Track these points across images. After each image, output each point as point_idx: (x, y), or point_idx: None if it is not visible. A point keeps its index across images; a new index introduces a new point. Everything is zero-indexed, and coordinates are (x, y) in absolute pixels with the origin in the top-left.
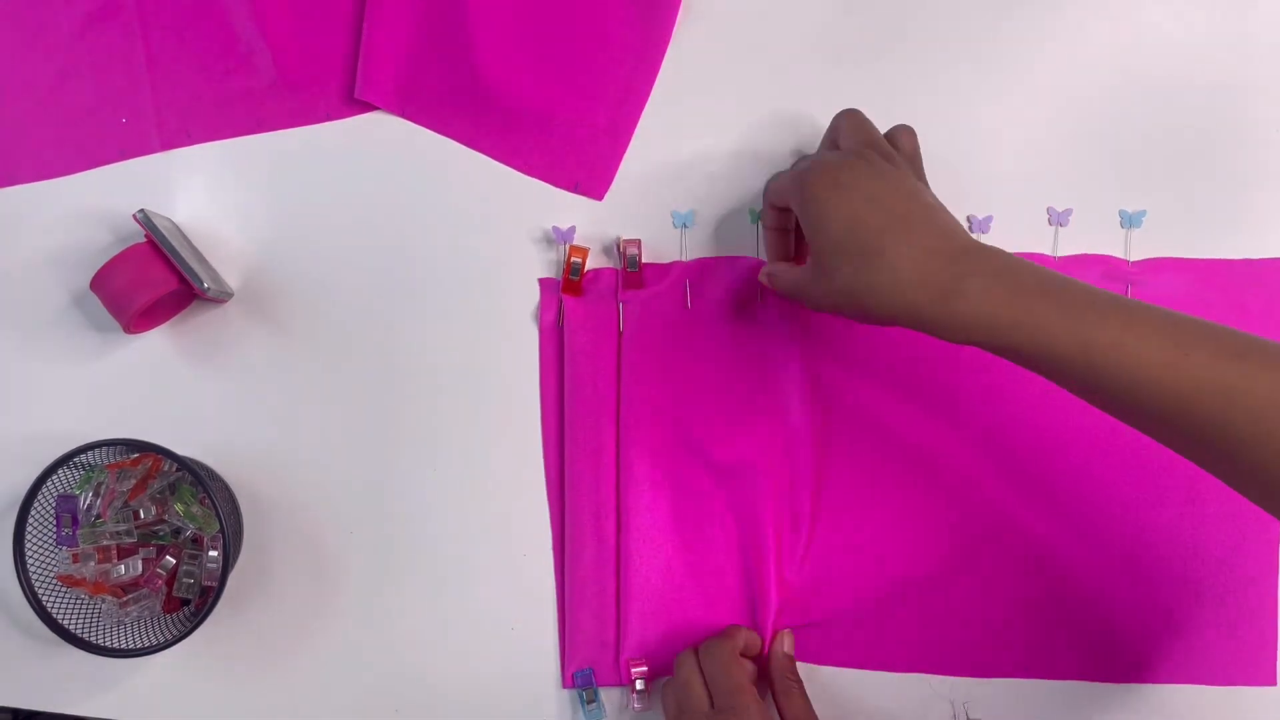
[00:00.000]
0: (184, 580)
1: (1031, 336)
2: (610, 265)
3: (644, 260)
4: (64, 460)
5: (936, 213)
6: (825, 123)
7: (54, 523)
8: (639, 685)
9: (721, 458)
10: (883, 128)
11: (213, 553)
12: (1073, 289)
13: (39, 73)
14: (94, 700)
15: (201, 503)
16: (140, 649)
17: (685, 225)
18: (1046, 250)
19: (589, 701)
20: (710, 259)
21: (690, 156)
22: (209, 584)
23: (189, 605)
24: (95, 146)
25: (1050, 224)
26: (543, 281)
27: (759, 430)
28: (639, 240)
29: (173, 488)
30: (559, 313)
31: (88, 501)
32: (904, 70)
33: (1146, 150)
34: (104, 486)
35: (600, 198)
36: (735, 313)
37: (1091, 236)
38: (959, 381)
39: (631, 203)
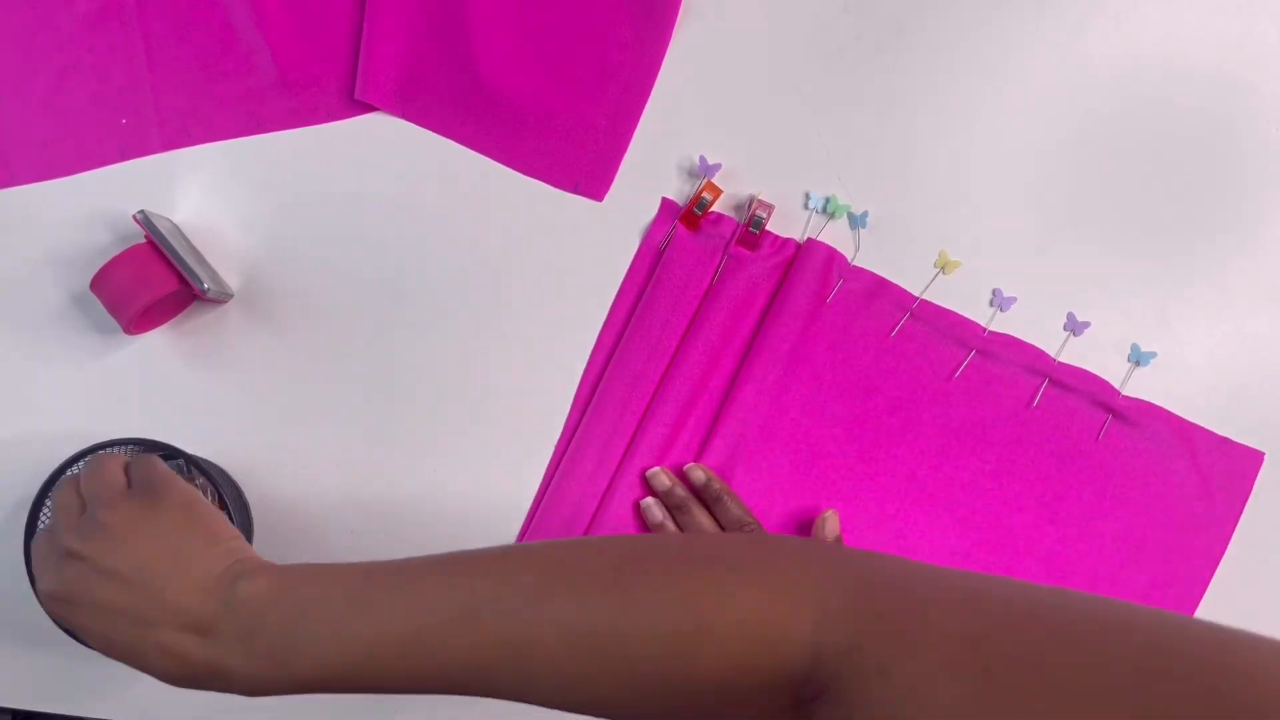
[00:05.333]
0: None
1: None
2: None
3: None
4: (76, 459)
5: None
6: (825, 123)
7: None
8: None
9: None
10: (881, 127)
11: None
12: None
13: (39, 73)
14: (94, 701)
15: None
16: None
17: (818, 210)
18: (1052, 351)
19: None
20: (831, 251)
21: (691, 154)
22: None
23: None
24: (95, 146)
25: (1064, 329)
26: (665, 201)
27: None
28: (773, 206)
29: None
30: (667, 237)
31: None
32: (904, 70)
33: (1147, 149)
34: None
35: (600, 198)
36: (820, 311)
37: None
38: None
39: (632, 203)
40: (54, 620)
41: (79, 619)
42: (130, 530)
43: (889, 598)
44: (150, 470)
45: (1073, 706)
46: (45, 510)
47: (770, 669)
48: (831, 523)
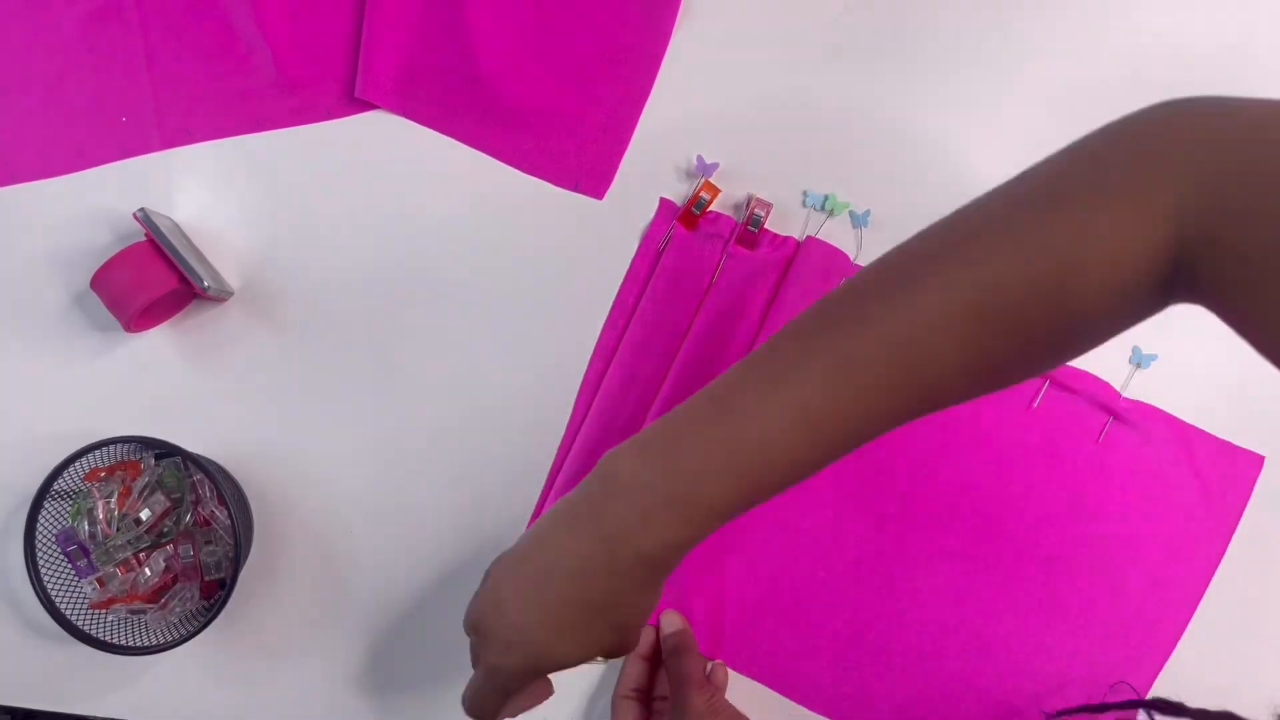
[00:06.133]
0: (207, 561)
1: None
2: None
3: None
4: (75, 457)
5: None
6: (825, 123)
7: (66, 562)
8: None
9: None
10: (880, 126)
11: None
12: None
13: (39, 73)
14: (94, 701)
15: (193, 489)
16: (152, 646)
17: (816, 208)
18: None
19: None
20: (830, 249)
21: (690, 155)
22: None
23: (224, 583)
24: (95, 146)
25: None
26: (663, 201)
27: None
28: (770, 204)
29: (154, 486)
30: (666, 237)
31: (87, 529)
32: (904, 70)
33: None
34: (94, 509)
35: (600, 197)
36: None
37: None
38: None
39: (631, 202)
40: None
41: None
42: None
43: (1237, 185)
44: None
45: None
46: (45, 505)
47: (1138, 282)
48: (671, 619)
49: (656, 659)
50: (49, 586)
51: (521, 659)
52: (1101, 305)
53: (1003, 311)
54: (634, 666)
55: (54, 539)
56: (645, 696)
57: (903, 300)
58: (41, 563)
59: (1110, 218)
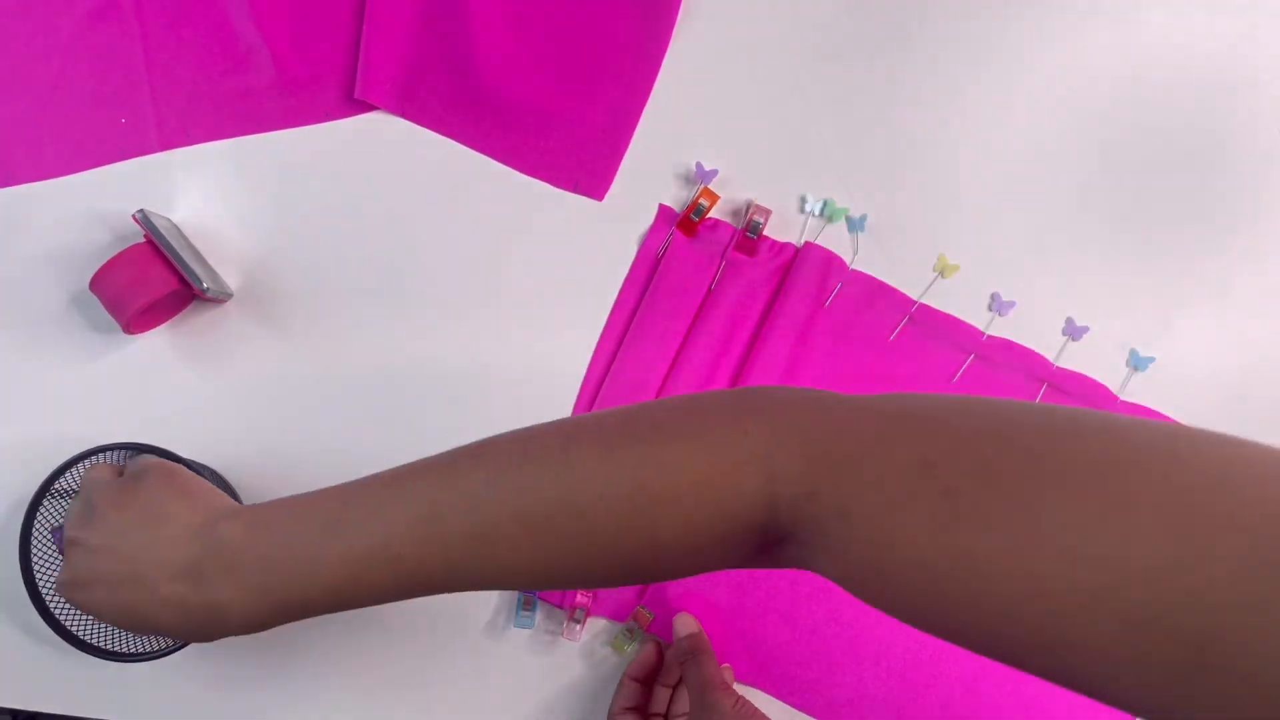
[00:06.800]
0: None
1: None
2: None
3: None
4: (70, 464)
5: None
6: (826, 123)
7: (59, 555)
8: (578, 615)
9: None
10: (879, 129)
11: None
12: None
13: (39, 73)
14: (94, 701)
15: None
16: (147, 653)
17: (815, 214)
18: (1050, 355)
19: (525, 607)
20: (829, 255)
21: (690, 157)
22: None
23: None
24: (95, 146)
25: (1063, 334)
26: (662, 207)
27: None
28: (770, 211)
29: None
30: (664, 243)
31: None
32: (904, 70)
33: (1146, 152)
34: None
35: (600, 198)
36: (819, 314)
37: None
38: None
39: (629, 209)
40: (73, 609)
41: (92, 600)
42: (114, 505)
43: (834, 440)
44: (139, 460)
45: (1034, 512)
46: (40, 510)
47: (727, 525)
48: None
49: (650, 679)
50: (45, 593)
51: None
52: (681, 537)
53: (573, 523)
54: (629, 688)
55: (49, 535)
56: (642, 715)
57: (504, 481)
58: (37, 568)
59: (703, 465)
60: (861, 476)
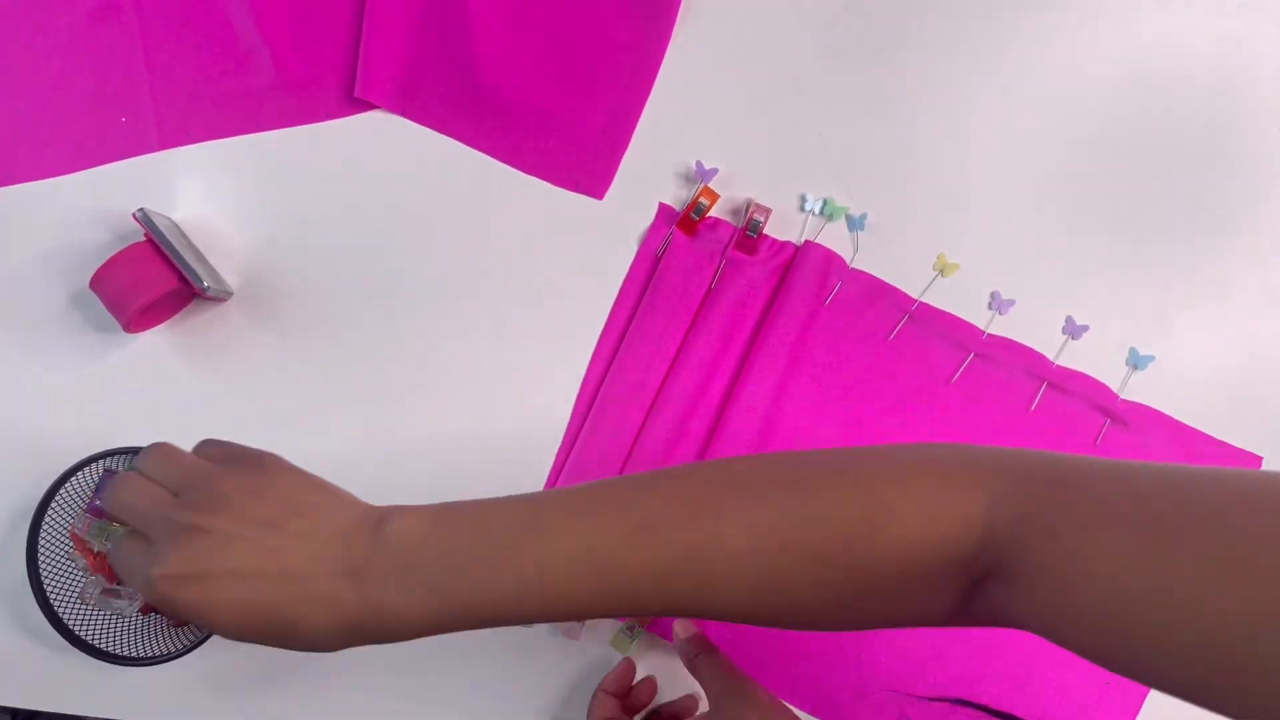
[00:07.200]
0: None
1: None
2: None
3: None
4: (73, 471)
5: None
6: (824, 125)
7: (83, 503)
8: None
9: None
10: (880, 130)
11: None
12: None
13: (39, 73)
14: (94, 701)
15: None
16: (152, 657)
17: (815, 212)
18: (1050, 354)
19: None
20: (829, 254)
21: (690, 156)
22: None
23: None
24: (95, 146)
25: (1063, 332)
26: (662, 206)
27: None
28: (770, 209)
29: None
30: (664, 243)
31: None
32: (904, 70)
33: (1146, 151)
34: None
35: (600, 197)
36: (819, 313)
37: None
38: None
39: (629, 207)
40: (165, 609)
41: (206, 594)
42: (254, 494)
43: (1050, 477)
44: (234, 446)
45: (1227, 543)
46: (48, 513)
47: (948, 547)
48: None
49: (623, 695)
50: (51, 597)
51: (168, 604)
52: (905, 556)
53: (807, 548)
54: (605, 701)
55: (72, 522)
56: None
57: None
58: (44, 569)
59: (931, 486)
60: (1072, 505)
